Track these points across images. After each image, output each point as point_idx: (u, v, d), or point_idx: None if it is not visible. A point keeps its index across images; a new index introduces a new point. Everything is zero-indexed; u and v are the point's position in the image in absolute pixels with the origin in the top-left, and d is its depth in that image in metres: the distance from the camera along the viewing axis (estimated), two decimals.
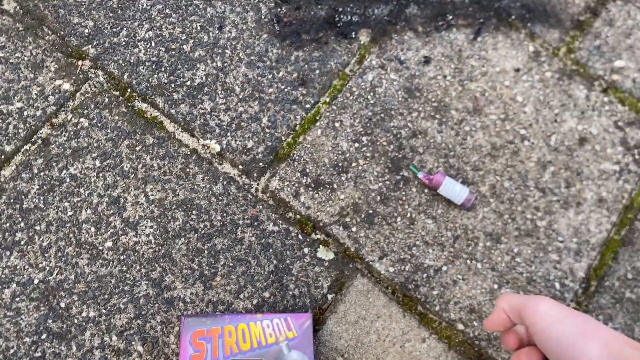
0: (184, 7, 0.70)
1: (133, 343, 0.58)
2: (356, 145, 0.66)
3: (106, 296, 0.59)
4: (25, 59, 0.67)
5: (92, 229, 0.61)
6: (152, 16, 0.69)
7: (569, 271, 0.63)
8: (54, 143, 0.64)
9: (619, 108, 0.69)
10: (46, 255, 0.60)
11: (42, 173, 0.63)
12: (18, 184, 0.62)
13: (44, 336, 0.57)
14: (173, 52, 0.68)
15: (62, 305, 0.58)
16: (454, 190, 0.62)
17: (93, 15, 0.69)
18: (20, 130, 0.64)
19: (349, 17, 0.70)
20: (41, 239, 0.60)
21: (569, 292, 0.62)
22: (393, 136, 0.66)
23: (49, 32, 0.68)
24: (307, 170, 0.64)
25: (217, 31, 0.69)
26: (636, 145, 0.67)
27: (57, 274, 0.59)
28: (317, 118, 0.66)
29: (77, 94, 0.66)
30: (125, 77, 0.67)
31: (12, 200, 0.61)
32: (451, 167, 0.65)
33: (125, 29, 0.69)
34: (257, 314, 0.57)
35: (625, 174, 0.66)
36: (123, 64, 0.67)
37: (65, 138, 0.64)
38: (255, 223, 0.62)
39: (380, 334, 0.59)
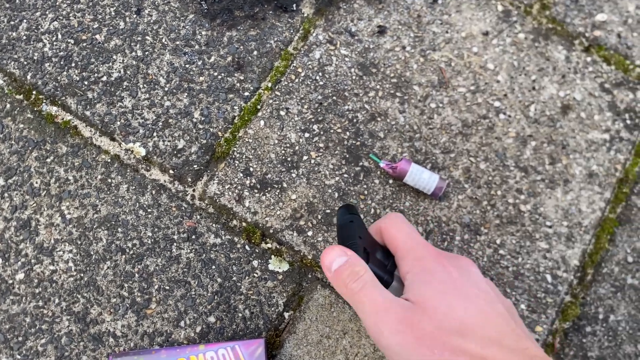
0: (93, 3, 0.61)
1: None
2: (306, 135, 0.57)
3: (20, 338, 0.50)
4: None
5: None
6: (57, 3, 0.60)
7: (560, 260, 0.55)
8: None
9: (604, 68, 0.61)
10: None
11: None
12: None
13: None
14: (84, 44, 0.59)
15: None
16: (422, 178, 0.54)
17: None
18: None
19: None
20: None
21: (563, 283, 0.55)
22: (348, 121, 0.58)
23: None
24: (251, 169, 0.56)
25: (134, 15, 0.60)
26: (627, 108, 0.60)
27: None
28: (259, 107, 0.58)
29: None
30: (28, 77, 0.57)
31: None
32: (418, 152, 0.57)
33: (25, 20, 0.59)
34: (199, 345, 0.49)
35: (616, 143, 0.59)
36: (25, 63, 0.58)
37: None
38: (193, 236, 0.54)
39: (348, 354, 0.51)
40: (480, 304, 0.37)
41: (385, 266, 0.41)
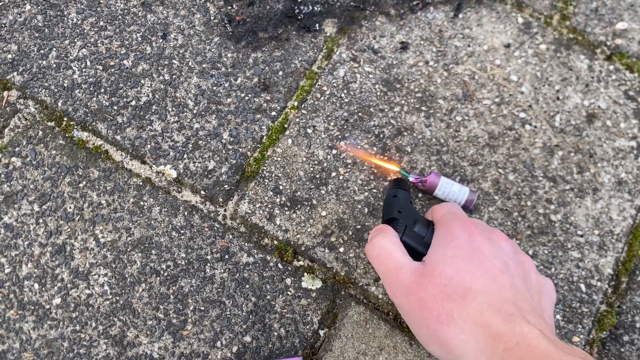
0: (120, 17, 0.63)
1: None
2: (334, 152, 0.59)
3: None
4: None
5: (36, 286, 0.54)
6: (85, 31, 0.62)
7: (594, 269, 0.56)
8: None
9: (627, 76, 0.62)
10: None
11: None
12: None
13: None
14: (112, 70, 0.61)
15: None
16: (452, 191, 0.55)
17: (16, 38, 0.62)
18: None
19: (310, 8, 0.63)
20: None
21: (597, 293, 0.55)
22: (375, 137, 0.59)
23: None
24: (281, 188, 0.57)
25: (160, 40, 0.62)
26: None
27: None
28: (286, 126, 0.59)
29: (6, 130, 0.59)
30: (59, 104, 0.59)
31: None
32: (446, 165, 0.58)
33: (54, 49, 0.61)
34: None
35: None
36: (56, 90, 0.60)
37: None
38: (226, 256, 0.55)
39: None
40: (493, 273, 0.38)
41: (422, 238, 0.45)
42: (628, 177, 0.59)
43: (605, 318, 0.55)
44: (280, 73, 0.61)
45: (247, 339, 0.53)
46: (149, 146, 0.58)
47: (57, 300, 0.53)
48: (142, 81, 0.60)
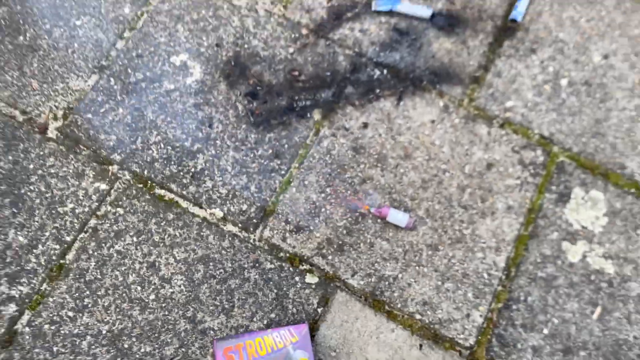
0: (181, 123, 0.98)
1: None
2: (322, 195, 0.92)
3: (156, 334, 0.84)
4: (70, 171, 0.93)
5: (139, 288, 0.86)
6: (158, 125, 0.97)
7: (492, 264, 0.88)
8: (101, 229, 0.90)
9: (514, 137, 0.96)
10: (108, 312, 0.85)
11: (95, 253, 0.88)
12: (80, 263, 0.87)
13: None
14: (178, 149, 0.95)
15: (126, 346, 0.83)
16: (397, 216, 0.88)
17: (115, 131, 0.96)
18: (75, 224, 0.90)
19: (304, 102, 0.98)
20: (103, 300, 0.85)
21: (494, 279, 0.87)
22: (349, 184, 0.93)
23: (84, 148, 0.95)
24: (289, 219, 0.90)
25: (208, 128, 0.96)
26: (530, 162, 0.94)
27: (118, 324, 0.84)
28: (291, 180, 0.93)
29: (112, 191, 0.92)
30: (145, 173, 0.93)
31: (77, 276, 0.87)
32: (394, 201, 0.92)
33: (139, 137, 0.96)
34: (267, 329, 0.81)
35: (525, 186, 0.93)
36: (142, 164, 0.94)
37: (108, 224, 0.90)
38: (257, 264, 0.88)
39: (360, 331, 0.84)
40: None
41: None
42: (515, 204, 0.92)
43: (500, 294, 0.87)
44: (286, 146, 0.95)
45: (272, 315, 0.85)
46: (204, 197, 0.92)
47: (152, 296, 0.86)
48: (198, 155, 0.95)
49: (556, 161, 0.95)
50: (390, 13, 1.03)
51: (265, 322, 0.85)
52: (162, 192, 0.92)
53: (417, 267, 0.88)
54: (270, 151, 0.95)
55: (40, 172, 0.93)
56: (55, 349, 0.83)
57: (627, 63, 1.01)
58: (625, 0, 1.05)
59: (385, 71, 1.00)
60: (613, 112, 0.98)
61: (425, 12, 1.02)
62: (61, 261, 0.88)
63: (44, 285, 0.86)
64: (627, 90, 0.99)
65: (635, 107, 0.98)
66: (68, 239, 0.89)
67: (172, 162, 0.94)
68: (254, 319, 0.85)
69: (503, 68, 1.01)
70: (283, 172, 0.94)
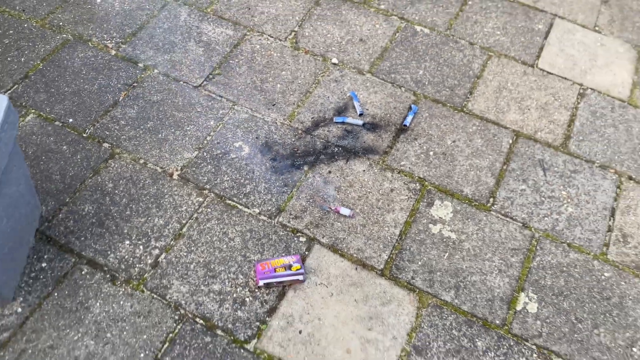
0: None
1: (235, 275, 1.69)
2: (310, 200, 1.87)
3: (225, 262, 1.72)
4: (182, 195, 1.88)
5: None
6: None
7: (392, 233, 1.80)
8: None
9: (405, 177, 1.94)
10: None
11: None
12: None
13: None
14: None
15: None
16: (345, 211, 1.82)
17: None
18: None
19: (300, 162, 1.97)
20: None
21: (394, 238, 1.79)
22: (323, 199, 1.88)
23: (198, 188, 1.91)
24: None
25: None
26: (413, 188, 1.90)
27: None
28: (292, 197, 1.88)
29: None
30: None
31: None
32: (344, 205, 1.86)
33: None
34: (280, 256, 1.70)
35: (410, 199, 1.88)
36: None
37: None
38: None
39: (329, 274, 1.73)
40: None
41: None
42: (405, 207, 1.86)
43: (395, 248, 1.77)
44: (290, 181, 1.92)
45: (283, 253, 1.74)
46: None
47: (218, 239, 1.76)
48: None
49: (427, 188, 1.91)
50: (343, 123, 2.07)
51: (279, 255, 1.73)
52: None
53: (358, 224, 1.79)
54: (283, 182, 1.91)
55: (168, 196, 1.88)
56: None
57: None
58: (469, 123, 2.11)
59: (340, 149, 2.01)
60: (457, 166, 1.97)
61: (359, 122, 2.07)
62: None
63: None
64: (469, 154, 1.99)
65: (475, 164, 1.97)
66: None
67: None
68: (273, 255, 1.73)
69: (399, 147, 2.02)
70: (289, 192, 1.88)
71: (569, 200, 1.91)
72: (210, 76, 2.18)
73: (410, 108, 2.12)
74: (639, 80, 2.29)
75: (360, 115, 2.09)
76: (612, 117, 2.16)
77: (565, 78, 2.27)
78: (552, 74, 2.29)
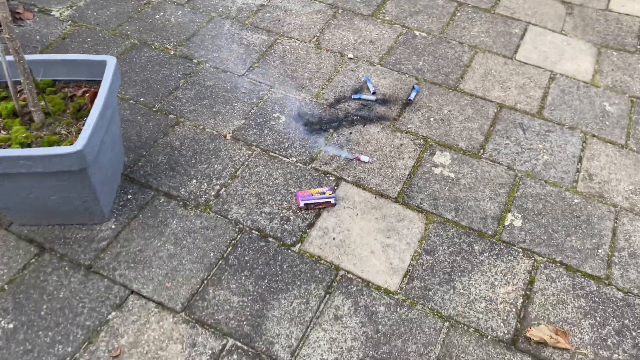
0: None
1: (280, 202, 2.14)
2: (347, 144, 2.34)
3: (270, 192, 2.17)
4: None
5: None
6: None
7: (402, 172, 2.26)
8: None
9: (415, 140, 2.42)
10: None
11: None
12: None
13: None
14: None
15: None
16: (365, 158, 2.29)
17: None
18: None
19: (327, 127, 2.46)
20: None
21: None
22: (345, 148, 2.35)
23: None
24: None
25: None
26: (424, 147, 2.38)
27: None
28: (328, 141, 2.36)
29: None
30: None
31: None
32: (363, 153, 2.33)
33: None
34: (317, 187, 2.16)
35: (419, 148, 2.35)
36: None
37: None
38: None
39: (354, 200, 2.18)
40: None
41: None
42: (413, 155, 2.33)
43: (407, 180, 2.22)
44: (317, 143, 2.40)
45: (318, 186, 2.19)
46: None
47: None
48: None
49: (429, 143, 2.38)
50: (359, 99, 2.58)
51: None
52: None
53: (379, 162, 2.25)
54: (313, 140, 2.38)
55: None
56: None
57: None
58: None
59: (358, 117, 2.50)
60: (453, 128, 2.45)
61: (373, 98, 2.57)
62: None
63: None
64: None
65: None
66: None
67: None
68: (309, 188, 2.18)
69: (405, 115, 2.52)
70: (319, 147, 2.35)
71: (544, 151, 2.38)
72: (251, 68, 2.71)
73: (413, 88, 2.63)
74: (599, 69, 2.82)
75: (373, 93, 2.60)
76: (578, 94, 2.66)
77: (539, 67, 2.80)
78: (528, 64, 2.82)
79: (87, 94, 1.89)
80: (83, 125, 1.80)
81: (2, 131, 1.81)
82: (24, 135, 1.77)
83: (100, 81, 1.85)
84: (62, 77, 1.99)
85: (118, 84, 1.93)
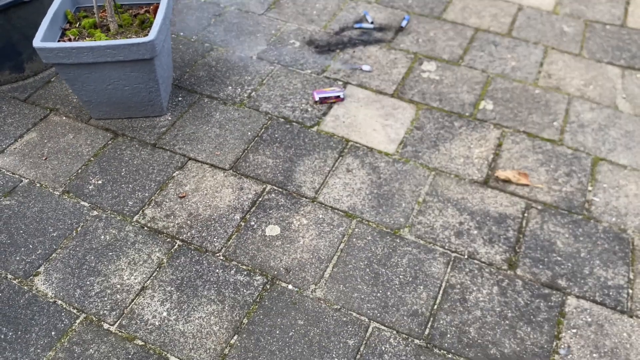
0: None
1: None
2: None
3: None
4: None
5: None
6: None
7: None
8: None
9: (407, 58, 2.97)
10: None
11: None
12: None
13: None
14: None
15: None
16: (365, 67, 2.84)
17: None
18: None
19: (338, 48, 3.02)
20: None
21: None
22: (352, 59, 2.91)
23: None
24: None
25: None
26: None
27: None
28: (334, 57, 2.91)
29: None
30: None
31: None
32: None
33: None
34: (329, 88, 2.71)
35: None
36: None
37: None
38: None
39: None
40: None
41: None
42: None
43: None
44: (327, 59, 2.95)
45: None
46: None
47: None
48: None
49: (418, 57, 2.93)
50: (360, 28, 3.13)
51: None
52: None
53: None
54: (324, 58, 2.93)
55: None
56: None
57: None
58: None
59: (359, 41, 3.05)
60: (437, 45, 3.00)
61: (371, 26, 3.13)
62: None
63: None
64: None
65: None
66: None
67: None
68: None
69: (398, 38, 3.07)
70: (328, 62, 2.90)
71: (512, 59, 2.93)
72: (268, 9, 3.27)
73: (404, 18, 3.19)
74: (559, 1, 3.37)
75: (372, 23, 3.16)
76: (541, 20, 3.22)
77: (508, 1, 3.36)
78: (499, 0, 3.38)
79: (151, 7, 2.46)
80: (148, 32, 2.35)
81: (87, 38, 2.37)
82: (105, 39, 2.32)
83: (157, 4, 2.41)
84: (127, 2, 2.56)
85: (172, 3, 2.49)
